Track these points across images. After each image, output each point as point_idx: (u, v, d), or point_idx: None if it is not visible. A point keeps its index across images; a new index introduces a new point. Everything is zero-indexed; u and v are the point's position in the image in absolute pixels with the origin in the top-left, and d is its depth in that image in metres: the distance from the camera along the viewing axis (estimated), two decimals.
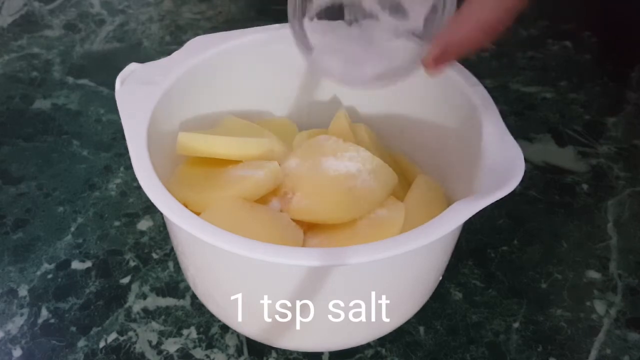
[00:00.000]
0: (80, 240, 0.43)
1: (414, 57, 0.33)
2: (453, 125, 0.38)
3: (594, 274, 0.41)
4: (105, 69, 0.57)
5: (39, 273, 0.41)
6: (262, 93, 0.43)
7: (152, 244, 0.42)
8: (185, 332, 0.38)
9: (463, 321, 0.38)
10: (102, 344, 0.37)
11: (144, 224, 0.44)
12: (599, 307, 0.39)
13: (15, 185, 0.46)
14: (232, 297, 0.34)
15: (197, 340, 0.37)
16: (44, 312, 0.39)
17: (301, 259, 0.28)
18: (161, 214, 0.31)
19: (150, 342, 0.37)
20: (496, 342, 0.37)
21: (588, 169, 0.48)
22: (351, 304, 0.32)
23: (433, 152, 0.40)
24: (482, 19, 0.30)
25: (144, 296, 0.40)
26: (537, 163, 0.49)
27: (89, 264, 0.41)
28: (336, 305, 0.32)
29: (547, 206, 0.45)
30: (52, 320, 0.38)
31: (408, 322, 0.37)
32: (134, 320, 0.38)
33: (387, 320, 0.35)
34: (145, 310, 0.39)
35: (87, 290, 0.40)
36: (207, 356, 0.37)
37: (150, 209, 0.45)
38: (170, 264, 0.41)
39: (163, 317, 0.38)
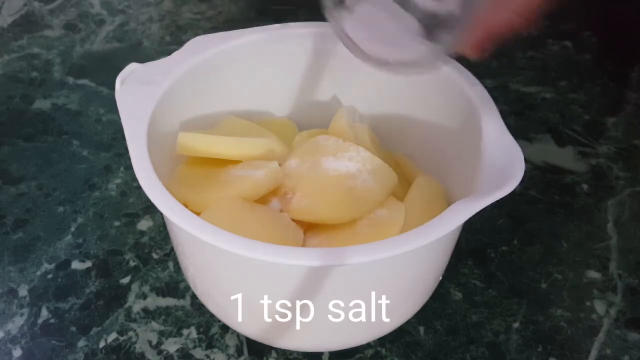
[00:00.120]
0: (80, 240, 0.43)
1: (440, 49, 0.32)
2: (453, 125, 0.38)
3: (594, 274, 0.41)
4: (105, 69, 0.57)
5: (39, 273, 0.41)
6: (262, 93, 0.43)
7: (152, 244, 0.42)
8: (185, 332, 0.38)
9: (463, 321, 0.38)
10: (102, 344, 0.37)
11: (144, 224, 0.44)
12: (599, 307, 0.39)
13: (15, 185, 0.46)
14: (232, 297, 0.34)
15: (197, 340, 0.37)
16: (44, 312, 0.39)
17: (301, 259, 0.28)
18: (161, 214, 0.31)
19: (150, 342, 0.37)
20: (496, 342, 0.37)
21: (588, 169, 0.48)
22: (351, 304, 0.32)
23: (433, 152, 0.40)
24: (523, 3, 0.30)
25: (144, 296, 0.40)
26: (537, 163, 0.49)
27: (89, 264, 0.41)
28: (336, 305, 0.32)
29: (547, 206, 0.45)
30: (52, 320, 0.38)
31: (408, 322, 0.37)
32: (134, 320, 0.38)
33: (387, 320, 0.35)
34: (145, 310, 0.39)
35: (87, 290, 0.40)
36: (207, 356, 0.37)
37: (150, 209, 0.45)
38: (170, 264, 0.41)
39: (163, 317, 0.38)
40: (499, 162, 0.31)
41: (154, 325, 0.38)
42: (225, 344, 0.37)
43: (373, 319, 0.34)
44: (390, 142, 0.42)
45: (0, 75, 0.56)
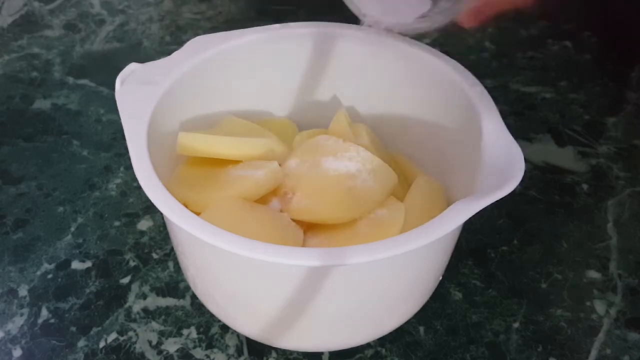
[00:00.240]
0: (80, 240, 0.43)
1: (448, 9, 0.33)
2: (453, 125, 0.38)
3: (594, 274, 0.41)
4: (105, 69, 0.57)
5: (39, 273, 0.41)
6: (262, 93, 0.43)
7: (152, 244, 0.42)
8: (185, 332, 0.38)
9: (463, 321, 0.38)
10: (102, 344, 0.37)
11: (144, 224, 0.44)
12: (599, 307, 0.39)
13: (15, 185, 0.46)
14: (232, 297, 0.34)
15: (197, 340, 0.37)
16: (44, 312, 0.39)
17: (301, 259, 0.28)
18: (161, 214, 0.31)
19: (150, 342, 0.37)
20: (496, 342, 0.37)
21: (588, 169, 0.48)
22: (351, 304, 0.32)
23: (433, 152, 0.40)
24: None
25: (144, 296, 0.40)
26: (537, 163, 0.49)
27: (89, 264, 0.41)
28: (336, 305, 0.32)
29: (547, 206, 0.45)
30: (52, 320, 0.38)
31: (408, 322, 0.37)
32: (134, 320, 0.38)
33: (387, 320, 0.35)
34: (145, 310, 0.39)
35: (87, 290, 0.40)
36: (207, 356, 0.37)
37: (150, 209, 0.45)
38: (170, 264, 0.41)
39: (163, 317, 0.38)
40: (499, 162, 0.31)
41: (154, 325, 0.38)
42: (225, 344, 0.37)
43: (373, 319, 0.34)
44: (390, 142, 0.42)
45: (0, 75, 0.56)
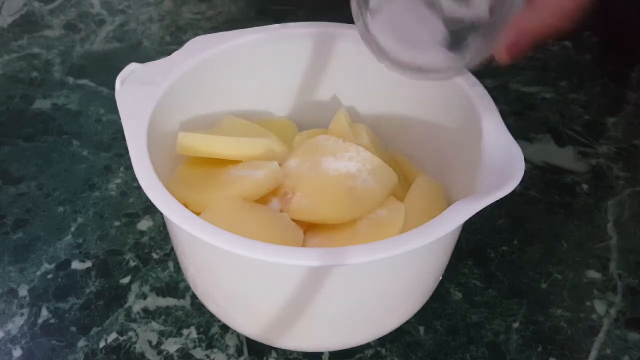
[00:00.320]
0: (80, 240, 0.43)
1: (464, 59, 0.32)
2: (453, 125, 0.38)
3: (594, 274, 0.41)
4: (105, 69, 0.57)
5: (39, 273, 0.41)
6: (262, 93, 0.43)
7: (152, 244, 0.42)
8: (185, 332, 0.38)
9: (463, 321, 0.38)
10: (102, 344, 0.37)
11: (144, 224, 0.44)
12: (599, 307, 0.39)
13: (15, 185, 0.46)
14: (232, 297, 0.34)
15: (197, 340, 0.37)
16: (44, 312, 0.39)
17: (301, 259, 0.28)
18: (161, 214, 0.31)
19: (150, 342, 0.37)
20: (496, 342, 0.37)
21: (588, 169, 0.48)
22: (351, 304, 0.32)
23: (433, 152, 0.40)
24: (558, 5, 0.29)
25: (144, 296, 0.40)
26: (537, 163, 0.49)
27: (89, 264, 0.41)
28: (336, 305, 0.32)
29: (547, 206, 0.45)
30: (52, 320, 0.38)
31: (408, 322, 0.37)
32: (134, 320, 0.38)
33: (387, 320, 0.35)
34: (145, 310, 0.39)
35: (87, 290, 0.40)
36: (207, 356, 0.37)
37: (150, 209, 0.45)
38: (170, 264, 0.41)
39: (163, 317, 0.38)
40: (499, 162, 0.31)
41: (154, 325, 0.38)
42: (225, 344, 0.37)
43: (373, 319, 0.34)
44: (390, 142, 0.42)
45: (0, 75, 0.56)
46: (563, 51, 0.60)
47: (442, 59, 0.32)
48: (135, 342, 0.37)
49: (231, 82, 0.41)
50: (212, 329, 0.38)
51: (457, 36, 0.32)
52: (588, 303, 0.40)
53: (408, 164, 0.42)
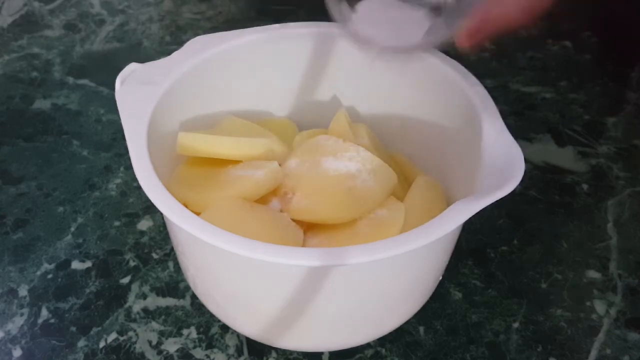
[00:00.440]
0: (80, 240, 0.43)
1: (436, 31, 0.32)
2: (453, 125, 0.38)
3: (594, 274, 0.41)
4: (105, 69, 0.57)
5: (39, 273, 0.41)
6: (262, 93, 0.43)
7: (152, 244, 0.42)
8: (185, 332, 0.38)
9: (463, 321, 0.38)
10: (102, 344, 0.37)
11: (144, 224, 0.44)
12: (599, 307, 0.39)
13: (15, 185, 0.46)
14: (232, 297, 0.34)
15: (197, 340, 0.37)
16: (44, 312, 0.39)
17: (301, 259, 0.28)
18: (161, 214, 0.31)
19: (150, 342, 0.37)
20: (496, 342, 0.37)
21: (588, 169, 0.48)
22: (351, 304, 0.32)
23: (433, 152, 0.40)
24: (524, 0, 0.30)
25: (144, 296, 0.40)
26: (537, 163, 0.49)
27: (89, 264, 0.41)
28: (336, 305, 0.32)
29: (547, 206, 0.45)
30: (52, 320, 0.38)
31: (408, 322, 0.37)
32: (134, 320, 0.38)
33: (387, 320, 0.35)
34: (145, 310, 0.39)
35: (87, 290, 0.40)
36: (207, 356, 0.37)
37: (150, 209, 0.45)
38: (170, 264, 0.41)
39: (163, 317, 0.38)
40: (499, 162, 0.31)
41: (154, 325, 0.38)
42: (225, 344, 0.37)
43: (373, 319, 0.34)
44: (390, 142, 0.42)
45: (0, 75, 0.56)
46: (563, 51, 0.60)
47: (412, 39, 0.34)
48: (135, 342, 0.37)
49: (231, 82, 0.41)
50: (212, 329, 0.38)
51: (429, 20, 0.33)
52: (588, 303, 0.40)
53: (408, 164, 0.42)
